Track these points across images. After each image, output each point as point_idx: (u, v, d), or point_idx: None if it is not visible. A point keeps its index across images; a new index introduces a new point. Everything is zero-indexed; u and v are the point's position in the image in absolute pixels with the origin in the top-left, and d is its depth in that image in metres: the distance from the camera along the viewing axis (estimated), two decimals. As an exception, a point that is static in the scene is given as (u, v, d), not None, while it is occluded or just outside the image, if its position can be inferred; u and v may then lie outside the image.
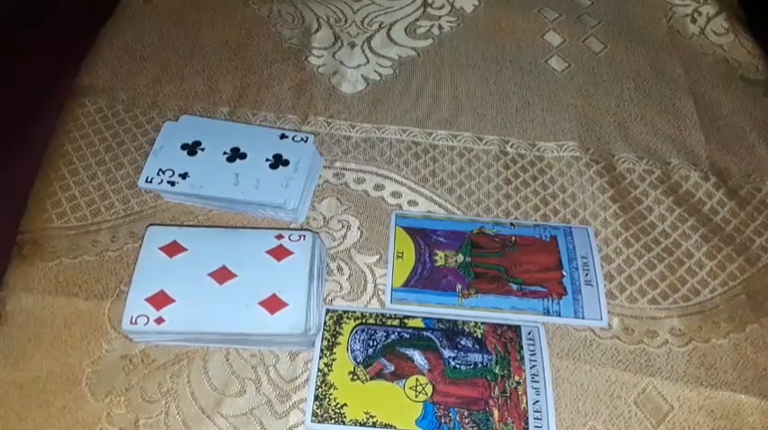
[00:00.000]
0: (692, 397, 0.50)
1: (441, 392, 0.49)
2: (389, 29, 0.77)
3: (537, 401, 0.48)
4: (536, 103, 0.70)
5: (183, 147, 0.59)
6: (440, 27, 0.78)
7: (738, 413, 0.49)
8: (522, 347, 0.51)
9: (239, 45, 0.74)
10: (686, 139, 0.66)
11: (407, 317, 0.53)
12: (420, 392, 0.49)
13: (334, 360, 0.50)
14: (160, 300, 0.48)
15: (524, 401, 0.48)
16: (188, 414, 0.48)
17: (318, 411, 0.48)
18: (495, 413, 0.48)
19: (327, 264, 0.56)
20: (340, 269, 0.56)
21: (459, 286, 0.54)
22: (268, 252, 0.51)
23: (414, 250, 0.57)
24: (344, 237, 0.58)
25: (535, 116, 0.68)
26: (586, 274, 0.55)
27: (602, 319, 0.53)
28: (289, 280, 0.50)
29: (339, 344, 0.51)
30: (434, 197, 0.61)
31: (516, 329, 0.52)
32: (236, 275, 0.50)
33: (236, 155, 0.58)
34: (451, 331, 0.52)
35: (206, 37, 0.75)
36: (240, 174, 0.57)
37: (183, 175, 0.57)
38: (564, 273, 0.55)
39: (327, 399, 0.48)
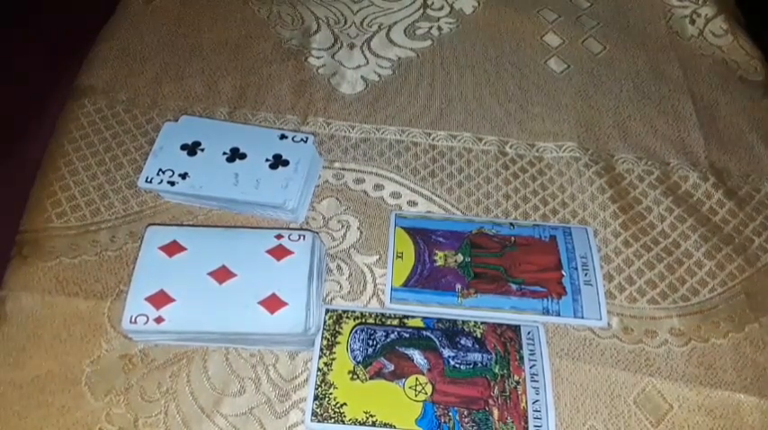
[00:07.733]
0: (691, 396, 0.50)
1: (440, 392, 0.49)
2: (389, 30, 0.77)
3: (536, 401, 0.48)
4: (535, 104, 0.70)
5: (183, 147, 0.59)
6: (439, 28, 0.78)
7: (737, 412, 0.49)
8: (521, 347, 0.51)
9: (239, 46, 0.74)
10: (685, 140, 0.67)
11: (407, 316, 0.53)
12: (420, 392, 0.49)
13: (333, 359, 0.50)
14: (160, 299, 0.48)
15: (524, 401, 0.48)
16: (187, 413, 0.48)
17: (318, 410, 0.48)
18: (495, 412, 0.48)
19: (327, 264, 0.56)
20: (339, 269, 0.56)
21: (458, 286, 0.54)
22: (268, 252, 0.52)
23: (413, 250, 0.57)
24: (344, 236, 0.58)
25: (534, 117, 0.69)
26: (586, 274, 0.55)
27: (601, 319, 0.53)
28: (288, 279, 0.50)
29: (339, 343, 0.51)
30: (434, 197, 0.61)
31: (516, 329, 0.52)
32: (235, 275, 0.50)
33: (235, 155, 0.58)
34: (451, 331, 0.52)
35: (206, 37, 0.75)
36: (240, 174, 0.57)
37: (183, 175, 0.57)
38: (563, 272, 0.55)
39: (327, 399, 0.48)
